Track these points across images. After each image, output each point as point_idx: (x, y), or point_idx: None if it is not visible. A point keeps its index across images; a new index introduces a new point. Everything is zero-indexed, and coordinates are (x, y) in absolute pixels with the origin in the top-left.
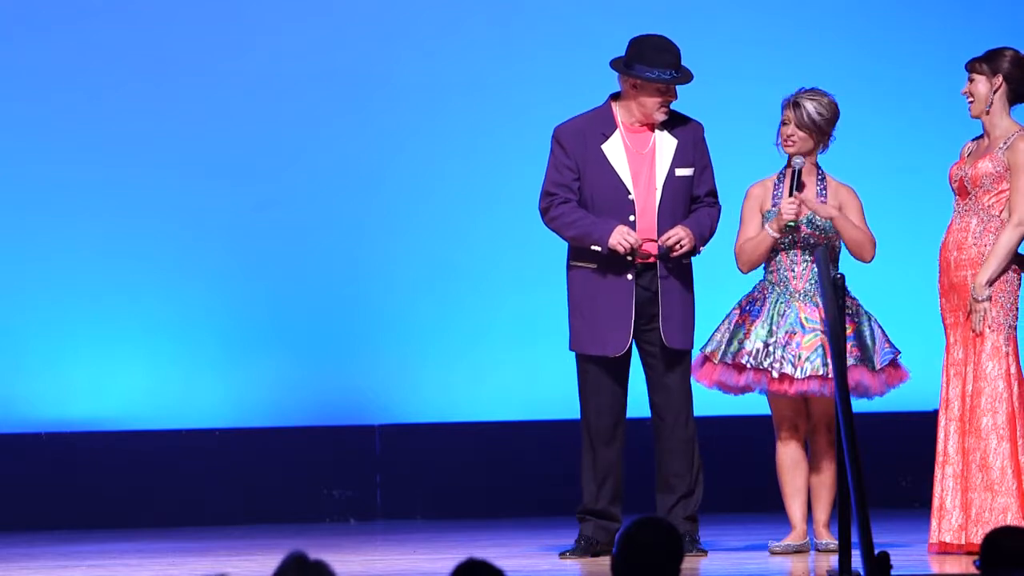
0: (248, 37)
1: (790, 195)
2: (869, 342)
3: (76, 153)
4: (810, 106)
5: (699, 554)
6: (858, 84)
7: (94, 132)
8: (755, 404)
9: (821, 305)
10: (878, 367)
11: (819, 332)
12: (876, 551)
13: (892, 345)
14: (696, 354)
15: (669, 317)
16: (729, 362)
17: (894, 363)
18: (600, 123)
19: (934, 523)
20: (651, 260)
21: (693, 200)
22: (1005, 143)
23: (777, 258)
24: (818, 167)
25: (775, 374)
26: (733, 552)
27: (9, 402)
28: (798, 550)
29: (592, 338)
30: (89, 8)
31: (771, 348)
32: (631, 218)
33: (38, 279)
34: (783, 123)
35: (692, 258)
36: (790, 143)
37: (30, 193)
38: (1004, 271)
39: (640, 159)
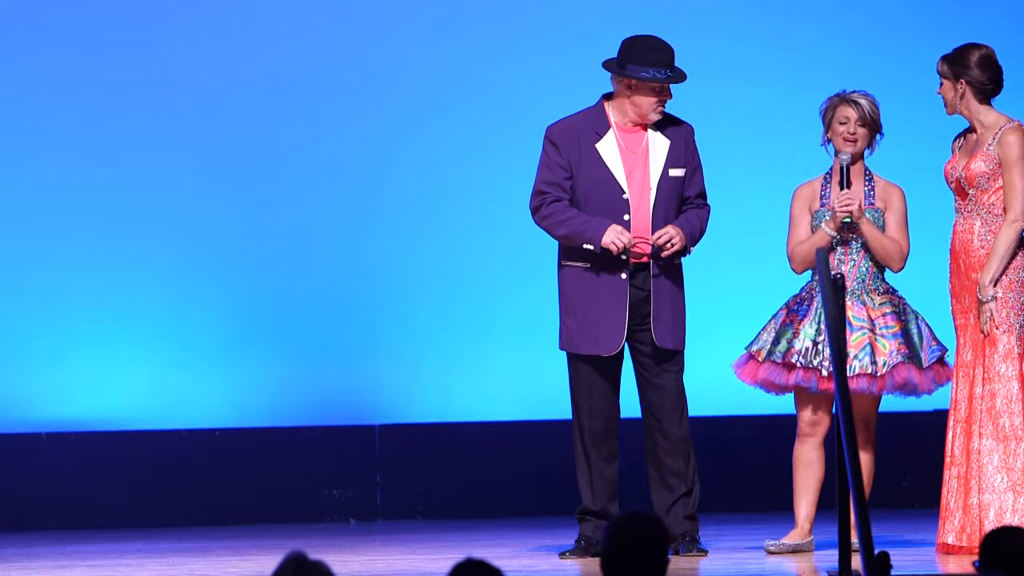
0: (247, 37)
1: (841, 190)
2: (916, 340)
3: (76, 154)
4: (865, 103)
5: (699, 554)
6: (857, 82)
7: (94, 133)
8: (755, 405)
9: (868, 304)
10: (926, 364)
11: (866, 331)
12: (876, 551)
13: (939, 343)
14: (742, 352)
15: (661, 317)
16: (778, 361)
17: (941, 361)
18: (593, 123)
19: (940, 525)
20: (644, 260)
21: (683, 201)
22: (994, 138)
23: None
24: (865, 167)
25: (824, 372)
26: (733, 552)
27: (10, 402)
28: (796, 549)
29: (585, 337)
30: (89, 8)
31: (820, 346)
32: (625, 217)
33: (39, 279)
34: (840, 122)
35: (682, 259)
36: (852, 140)
37: (31, 193)
38: (1006, 269)
39: (634, 159)
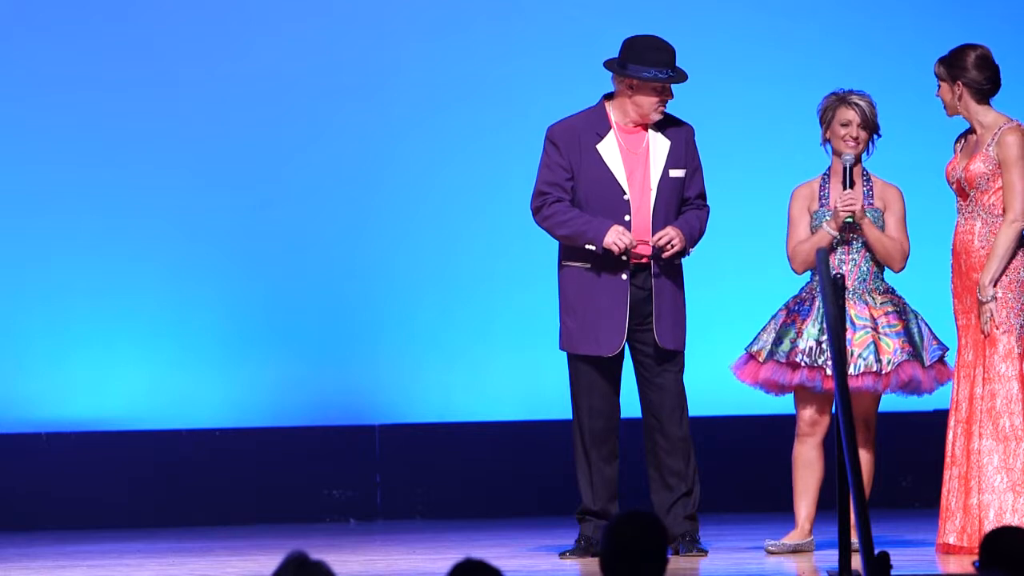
0: (247, 37)
1: (843, 190)
2: (918, 339)
3: (76, 154)
4: (866, 106)
5: (699, 554)
6: (857, 82)
7: (94, 133)
8: (755, 405)
9: (870, 303)
10: (927, 363)
11: (869, 329)
12: (876, 551)
13: (939, 342)
14: (741, 353)
15: (662, 317)
16: (782, 360)
17: (941, 360)
18: (594, 123)
19: (940, 525)
20: (644, 260)
21: (683, 202)
22: (993, 138)
23: None
24: (863, 167)
25: (829, 371)
26: (733, 552)
27: (10, 402)
28: (796, 549)
29: (586, 337)
30: (89, 8)
31: (824, 346)
32: (626, 218)
33: (39, 279)
34: (842, 124)
35: (682, 259)
36: (854, 143)
37: (31, 193)
38: (1006, 269)
39: (635, 159)
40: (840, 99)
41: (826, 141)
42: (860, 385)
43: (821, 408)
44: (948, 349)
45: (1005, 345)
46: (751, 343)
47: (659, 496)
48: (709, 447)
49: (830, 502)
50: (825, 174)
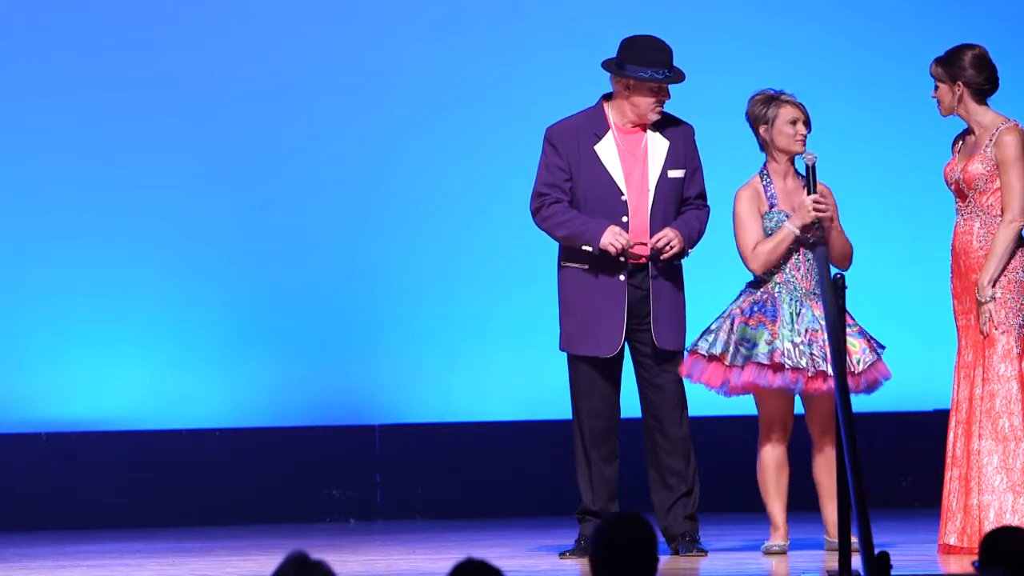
0: (247, 37)
1: (811, 192)
2: (868, 333)
3: (76, 154)
4: (802, 103)
5: (699, 554)
6: (856, 81)
7: (94, 133)
8: (754, 405)
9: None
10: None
11: None
12: (876, 551)
13: (876, 340)
14: (689, 353)
15: (660, 318)
16: (765, 363)
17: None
18: (593, 124)
19: (941, 526)
20: (642, 261)
21: (683, 202)
22: (991, 139)
23: (783, 259)
24: (795, 167)
25: (811, 373)
26: (733, 552)
27: (9, 402)
28: (783, 550)
29: (584, 338)
30: (89, 8)
31: (803, 347)
32: (624, 219)
33: (38, 279)
34: (791, 123)
35: (682, 260)
36: (803, 140)
37: (31, 193)
38: (1005, 270)
39: (633, 160)
40: (782, 99)
41: (766, 141)
42: (832, 386)
43: (789, 411)
44: (885, 348)
45: (1004, 345)
46: (708, 346)
47: (659, 496)
48: (709, 447)
49: (815, 503)
50: (763, 172)
